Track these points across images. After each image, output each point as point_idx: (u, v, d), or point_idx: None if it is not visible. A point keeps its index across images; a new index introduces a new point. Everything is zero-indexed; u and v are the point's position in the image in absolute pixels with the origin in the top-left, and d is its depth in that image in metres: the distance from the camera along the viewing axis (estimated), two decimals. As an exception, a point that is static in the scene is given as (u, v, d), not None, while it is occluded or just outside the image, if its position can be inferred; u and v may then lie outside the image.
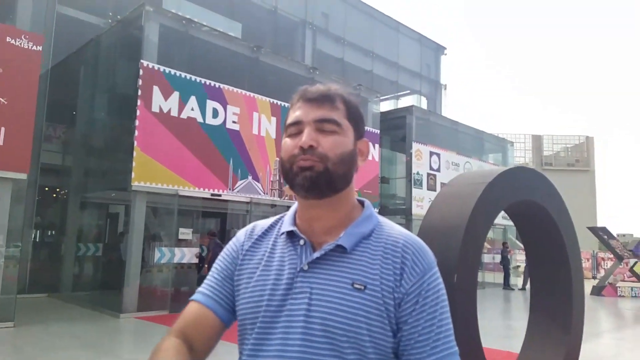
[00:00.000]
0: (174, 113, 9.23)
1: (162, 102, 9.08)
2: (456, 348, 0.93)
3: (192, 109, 9.52)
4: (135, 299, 8.60)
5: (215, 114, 9.87)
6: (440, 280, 0.96)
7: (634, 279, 15.88)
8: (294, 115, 0.99)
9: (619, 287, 15.66)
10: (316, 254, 0.94)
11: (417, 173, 15.22)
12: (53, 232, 12.74)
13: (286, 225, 1.01)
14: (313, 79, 12.37)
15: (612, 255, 16.75)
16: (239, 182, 10.18)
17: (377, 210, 13.54)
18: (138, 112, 8.72)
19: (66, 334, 6.88)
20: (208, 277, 1.05)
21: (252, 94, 10.62)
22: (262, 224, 1.08)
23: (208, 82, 9.81)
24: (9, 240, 7.39)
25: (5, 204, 7.30)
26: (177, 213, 9.44)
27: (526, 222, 5.80)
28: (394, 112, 16.54)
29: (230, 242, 1.08)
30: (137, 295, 8.64)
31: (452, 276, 4.34)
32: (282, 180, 10.99)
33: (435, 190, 15.79)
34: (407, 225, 15.11)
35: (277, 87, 11.28)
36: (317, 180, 0.92)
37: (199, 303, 1.01)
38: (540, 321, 5.90)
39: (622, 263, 15.86)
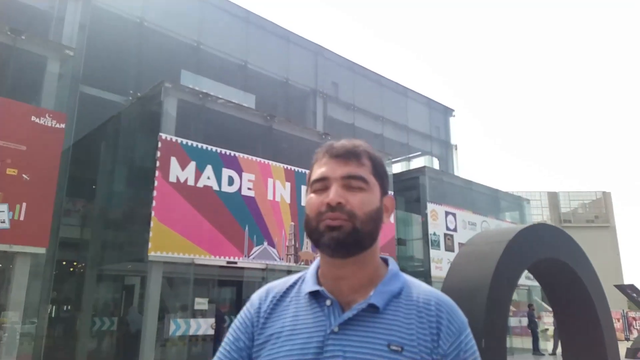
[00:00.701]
0: (191, 182, 9.41)
1: (179, 172, 9.29)
2: None
3: (208, 178, 9.71)
4: (151, 374, 8.31)
5: (230, 181, 10.04)
6: (474, 339, 0.94)
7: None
8: (319, 171, 0.97)
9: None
10: (347, 314, 0.90)
11: (434, 234, 15.03)
12: (69, 307, 12.63)
13: (309, 285, 0.96)
14: (325, 145, 12.64)
15: (645, 314, 15.91)
16: (255, 249, 10.13)
17: (396, 274, 13.26)
18: (156, 183, 8.91)
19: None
20: (220, 349, 1.00)
21: (266, 161, 10.83)
22: (278, 285, 1.03)
23: (224, 151, 10.07)
24: (25, 316, 7.33)
25: (23, 279, 7.32)
26: (192, 282, 9.33)
27: (551, 280, 5.62)
28: (407, 174, 16.66)
29: (244, 310, 1.02)
30: (153, 370, 8.36)
31: (479, 341, 4.16)
32: (297, 245, 10.92)
33: (453, 251, 15.49)
34: (427, 288, 14.68)
35: (290, 153, 11.53)
36: (345, 240, 0.90)
37: None
38: (577, 388, 5.53)
39: (657, 322, 15.03)
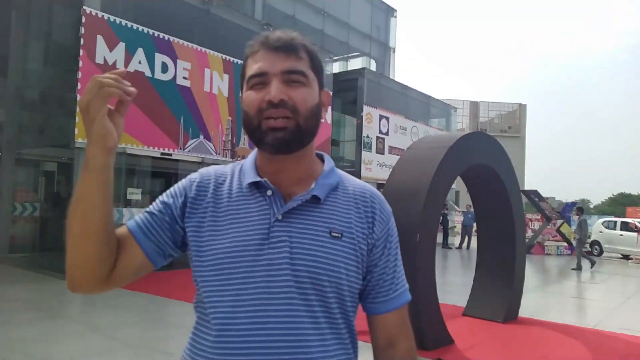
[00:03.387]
0: (120, 65, 8.65)
1: (107, 53, 8.49)
2: (407, 283, 1.08)
3: (140, 62, 9.00)
4: (82, 260, 8.27)
5: (164, 68, 9.39)
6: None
7: (559, 238, 17.30)
8: (256, 65, 0.93)
9: (547, 245, 17.05)
10: (291, 204, 0.93)
11: (367, 136, 15.46)
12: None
13: (250, 176, 0.97)
14: (266, 36, 12.03)
15: (539, 217, 18.07)
16: (190, 142, 9.87)
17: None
18: (81, 63, 8.12)
19: (12, 297, 6.55)
20: (149, 210, 0.99)
21: (203, 49, 10.17)
22: (216, 171, 1.02)
23: (157, 33, 9.26)
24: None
25: None
26: (125, 172, 9.05)
27: (477, 182, 6.13)
28: (346, 74, 16.52)
29: (182, 184, 1.01)
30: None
31: (414, 236, 4.55)
32: (234, 140, 10.79)
33: (383, 154, 16.16)
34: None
35: (228, 42, 10.86)
36: (289, 139, 0.91)
37: (131, 234, 0.96)
38: (486, 276, 6.35)
39: (550, 224, 17.19)
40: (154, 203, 1.00)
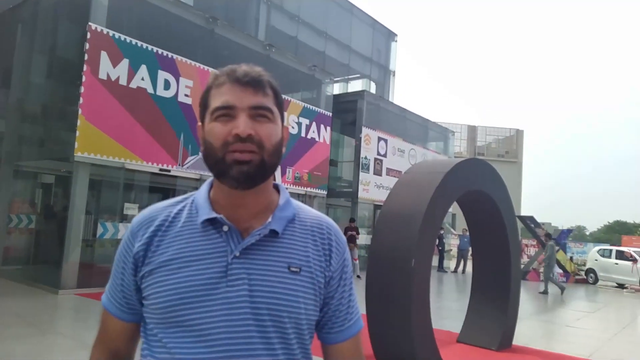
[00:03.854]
0: (123, 81, 8.77)
1: (110, 69, 8.59)
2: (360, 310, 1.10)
3: (143, 79, 9.09)
4: (75, 274, 8.22)
5: (167, 85, 9.49)
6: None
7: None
8: (223, 98, 0.92)
9: (542, 272, 16.98)
10: (249, 240, 0.93)
11: (365, 157, 15.54)
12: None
13: (205, 212, 0.95)
14: (269, 57, 12.19)
15: (535, 243, 18.06)
16: (190, 158, 9.91)
17: (325, 193, 13.73)
18: (84, 78, 8.20)
19: (2, 311, 6.48)
20: (111, 280, 1.02)
21: (206, 67, 10.29)
22: (163, 210, 0.99)
23: (160, 51, 9.39)
24: None
25: None
26: (122, 187, 9.06)
27: (475, 209, 6.17)
28: (346, 96, 16.69)
29: (125, 241, 0.99)
30: (77, 270, 8.26)
31: (409, 261, 4.56)
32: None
33: (381, 175, 16.22)
34: (353, 207, 15.46)
35: (231, 61, 10.87)
36: (254, 174, 0.90)
37: (116, 318, 1.01)
38: (480, 302, 6.33)
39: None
40: (114, 271, 1.01)
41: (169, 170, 9.58)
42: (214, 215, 0.93)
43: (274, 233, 0.95)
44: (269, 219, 0.95)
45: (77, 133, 8.11)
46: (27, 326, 5.82)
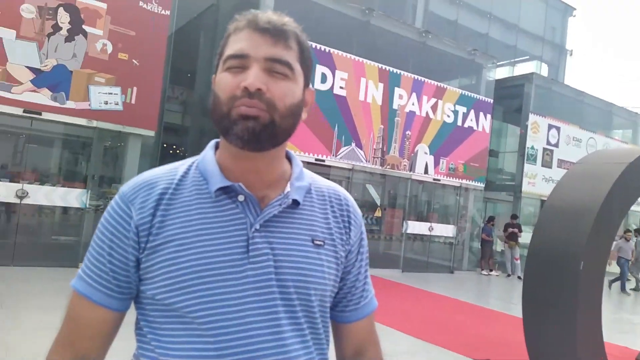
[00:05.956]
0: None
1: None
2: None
3: (302, 73, 9.61)
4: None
5: (323, 79, 9.89)
6: None
7: None
8: (237, 45, 0.80)
9: None
10: (270, 210, 0.83)
11: (532, 147, 14.10)
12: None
13: (217, 180, 0.82)
14: (424, 43, 11.83)
15: None
16: (343, 149, 10.20)
17: (483, 186, 12.86)
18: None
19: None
20: (92, 260, 0.84)
21: (360, 59, 10.44)
22: (162, 177, 0.85)
23: (319, 46, 9.80)
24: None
25: (135, 158, 8.07)
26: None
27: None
28: (510, 80, 15.33)
29: (116, 210, 0.83)
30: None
31: (578, 263, 3.98)
32: (384, 149, 10.82)
33: (550, 168, 14.57)
34: (515, 202, 14.20)
35: (385, 51, 10.96)
36: (261, 132, 0.77)
37: (100, 306, 0.83)
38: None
39: None
40: (95, 248, 0.85)
41: (324, 160, 9.99)
42: (228, 183, 0.82)
43: (295, 203, 0.86)
44: (287, 188, 0.86)
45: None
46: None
